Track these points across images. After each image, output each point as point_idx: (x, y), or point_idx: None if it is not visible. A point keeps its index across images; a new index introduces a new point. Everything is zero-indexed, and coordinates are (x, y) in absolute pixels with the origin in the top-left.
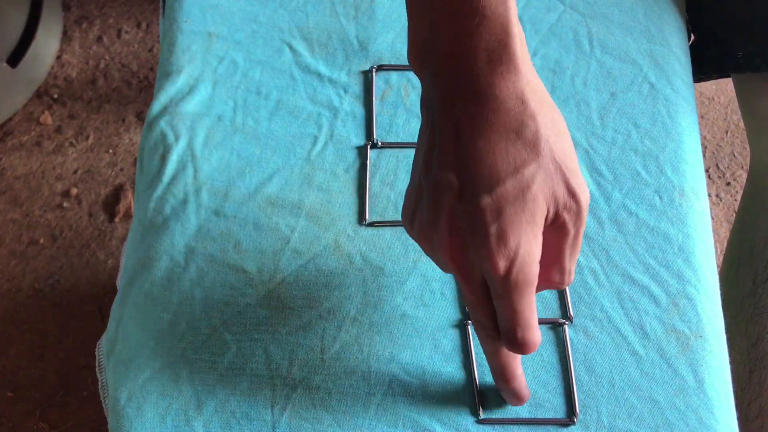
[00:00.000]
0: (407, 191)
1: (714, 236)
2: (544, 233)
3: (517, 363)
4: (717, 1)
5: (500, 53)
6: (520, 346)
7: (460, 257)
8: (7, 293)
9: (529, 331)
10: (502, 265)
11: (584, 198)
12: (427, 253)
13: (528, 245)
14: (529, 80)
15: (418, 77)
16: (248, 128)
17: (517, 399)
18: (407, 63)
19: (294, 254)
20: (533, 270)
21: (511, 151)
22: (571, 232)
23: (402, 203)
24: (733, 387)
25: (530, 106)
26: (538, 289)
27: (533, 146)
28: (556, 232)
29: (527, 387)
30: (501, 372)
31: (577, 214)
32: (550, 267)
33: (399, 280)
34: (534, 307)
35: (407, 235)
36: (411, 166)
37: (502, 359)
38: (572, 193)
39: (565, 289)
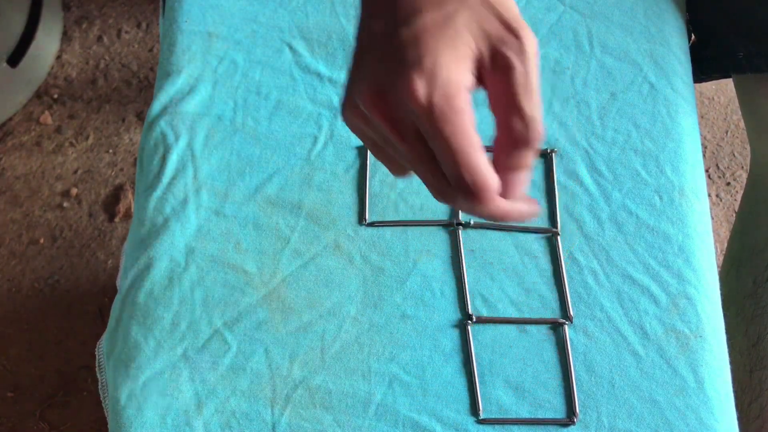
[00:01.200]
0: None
1: (714, 236)
2: (491, 78)
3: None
4: (717, 1)
5: None
6: (472, 193)
7: (383, 102)
8: (7, 293)
9: (475, 172)
10: (420, 90)
11: (526, 34)
12: (365, 125)
13: (447, 67)
14: None
15: None
16: (248, 128)
17: (520, 215)
18: None
19: (294, 254)
20: (458, 96)
21: None
22: (518, 68)
23: (402, 204)
24: (733, 387)
25: None
26: (504, 150)
27: None
28: (503, 73)
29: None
30: (489, 215)
31: (521, 50)
32: (509, 116)
33: (399, 280)
34: (475, 144)
35: (407, 234)
36: None
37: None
38: (509, 28)
39: (565, 289)
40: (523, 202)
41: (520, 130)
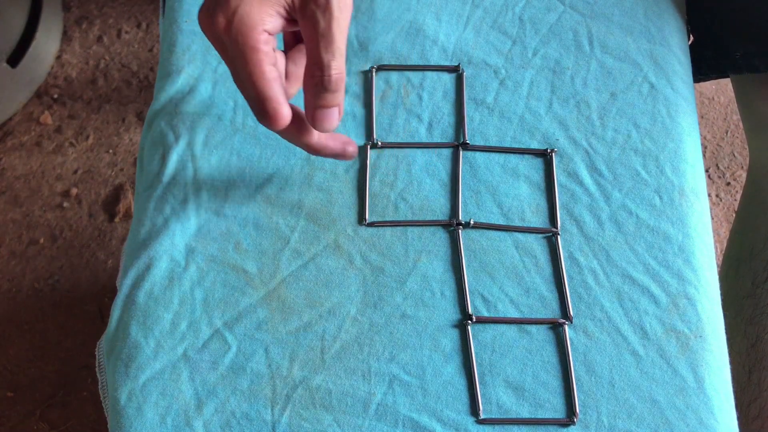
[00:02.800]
0: None
1: (714, 236)
2: (302, 25)
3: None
4: (716, 1)
5: None
6: (263, 116)
7: (207, 23)
8: (7, 293)
9: (264, 102)
10: (221, 25)
11: None
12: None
13: (248, 7)
14: None
15: None
16: (248, 128)
17: (336, 151)
18: (407, 63)
19: (294, 254)
20: (252, 34)
21: None
22: (321, 23)
23: (402, 204)
24: (733, 387)
25: None
26: (310, 91)
27: None
28: (309, 25)
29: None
30: (298, 144)
31: (326, 7)
32: (311, 65)
33: (399, 280)
34: (266, 74)
35: (407, 235)
36: (411, 166)
37: (288, 136)
38: None
39: (565, 289)
40: (337, 141)
41: (317, 75)
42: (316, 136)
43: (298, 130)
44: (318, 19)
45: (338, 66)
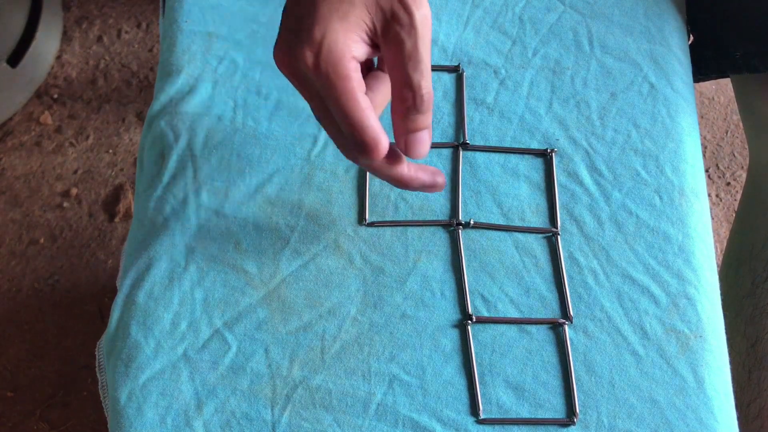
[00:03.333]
0: None
1: (714, 236)
2: (385, 48)
3: (398, 163)
4: (716, 1)
5: None
6: (362, 148)
7: (287, 61)
8: (7, 293)
9: (363, 132)
10: (309, 59)
11: (418, 11)
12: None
13: (335, 35)
14: None
15: None
16: (248, 128)
17: (426, 185)
18: None
19: (294, 254)
20: (343, 62)
21: None
22: (407, 43)
23: (402, 203)
24: (733, 387)
25: None
26: (399, 114)
27: None
28: (394, 47)
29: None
30: (388, 178)
31: (411, 26)
32: (401, 87)
33: (399, 280)
34: (362, 104)
35: (407, 235)
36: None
37: (377, 167)
38: (404, 5)
39: (565, 289)
40: (426, 172)
41: (409, 97)
42: (407, 168)
43: (390, 161)
44: (403, 39)
45: (428, 85)
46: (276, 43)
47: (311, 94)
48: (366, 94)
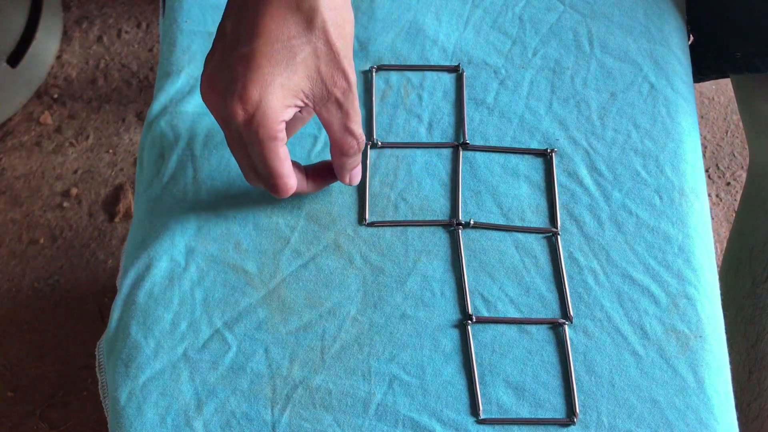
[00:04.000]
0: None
1: (714, 236)
2: (323, 110)
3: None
4: (716, 1)
5: None
6: (273, 190)
7: (216, 101)
8: (7, 293)
9: (279, 179)
10: (240, 116)
11: (353, 78)
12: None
13: (272, 100)
14: None
15: None
16: None
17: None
18: (407, 63)
19: (294, 254)
20: (274, 126)
21: (287, 19)
22: (345, 104)
23: (402, 203)
24: (733, 387)
25: None
26: (345, 156)
27: (309, 21)
28: (334, 108)
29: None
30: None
31: (348, 89)
32: (341, 137)
33: (399, 280)
34: (280, 156)
35: (407, 235)
36: (411, 166)
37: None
38: (343, 73)
39: (565, 289)
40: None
41: (352, 145)
42: (307, 186)
43: (323, 183)
44: (342, 102)
45: (362, 133)
46: (206, 73)
47: (231, 133)
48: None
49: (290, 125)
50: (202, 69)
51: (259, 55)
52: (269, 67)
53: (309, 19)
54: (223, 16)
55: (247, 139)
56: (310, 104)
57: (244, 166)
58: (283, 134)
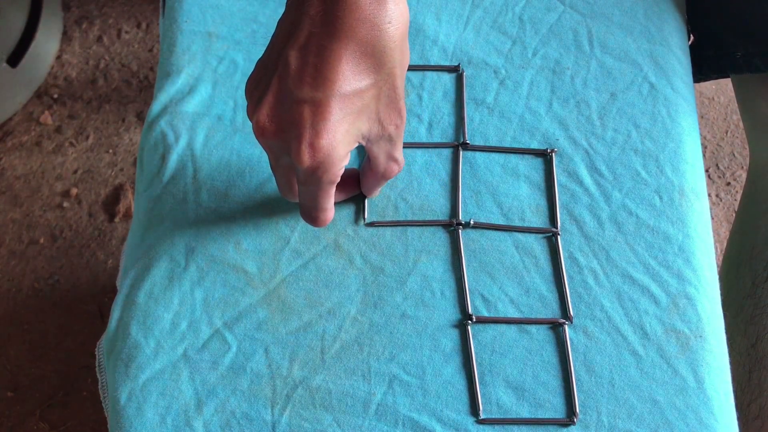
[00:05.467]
0: (258, 63)
1: (714, 236)
2: (377, 147)
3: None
4: (716, 1)
5: None
6: (312, 222)
7: (277, 139)
8: (7, 293)
9: (323, 213)
10: (308, 161)
11: (405, 113)
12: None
13: (339, 149)
14: (400, 6)
15: None
16: (248, 128)
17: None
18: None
19: (294, 254)
20: (337, 171)
21: (361, 63)
22: (395, 138)
23: (402, 203)
24: (733, 387)
25: (392, 28)
26: (384, 179)
27: (380, 64)
28: (386, 142)
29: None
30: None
31: (399, 126)
32: (390, 163)
33: (399, 280)
34: (331, 195)
35: (407, 235)
36: (411, 166)
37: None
38: (399, 112)
39: (565, 289)
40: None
41: (394, 170)
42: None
43: (347, 195)
44: (394, 137)
45: (403, 158)
46: (266, 106)
47: (280, 164)
48: None
49: None
50: (202, 69)
51: (331, 102)
52: (339, 114)
53: (381, 62)
54: (284, 42)
55: (305, 180)
56: (364, 143)
57: (283, 186)
58: (340, 176)
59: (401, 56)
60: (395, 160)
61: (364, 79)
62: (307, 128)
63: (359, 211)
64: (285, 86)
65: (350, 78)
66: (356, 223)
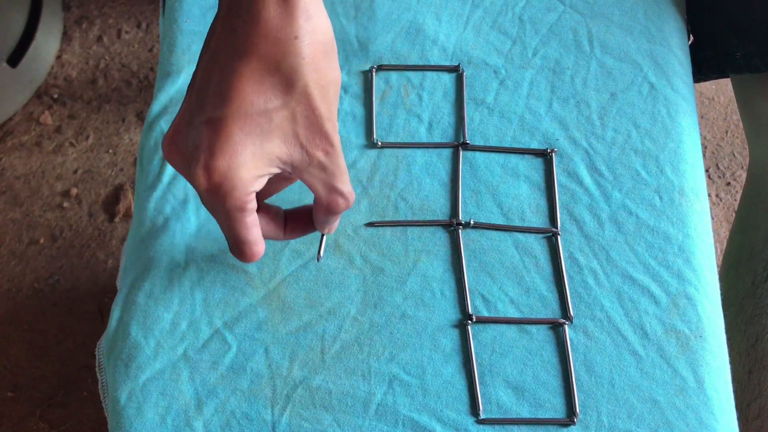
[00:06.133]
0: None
1: (714, 236)
2: (306, 176)
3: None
4: (716, 1)
5: None
6: (238, 256)
7: (179, 163)
8: (7, 293)
9: (246, 246)
10: (204, 183)
11: (336, 139)
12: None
13: (241, 172)
14: (314, 20)
15: None
16: None
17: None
18: (407, 63)
19: (294, 254)
20: (241, 197)
21: (264, 82)
22: (330, 167)
23: (402, 204)
24: (733, 387)
25: (300, 44)
26: (331, 214)
27: (289, 84)
28: (319, 171)
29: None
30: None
31: (333, 152)
32: (332, 195)
33: (399, 280)
34: (249, 225)
35: (407, 235)
36: (411, 166)
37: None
38: (326, 137)
39: (565, 289)
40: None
41: (340, 204)
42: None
43: (301, 233)
44: (326, 165)
45: (351, 190)
46: (171, 131)
47: (199, 197)
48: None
49: (272, 186)
50: None
51: (230, 121)
52: (240, 135)
53: (289, 81)
54: (197, 64)
55: (208, 207)
56: (289, 170)
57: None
58: (252, 204)
59: (316, 75)
60: (338, 193)
61: (271, 98)
62: (204, 150)
63: (358, 213)
64: (189, 108)
65: (252, 96)
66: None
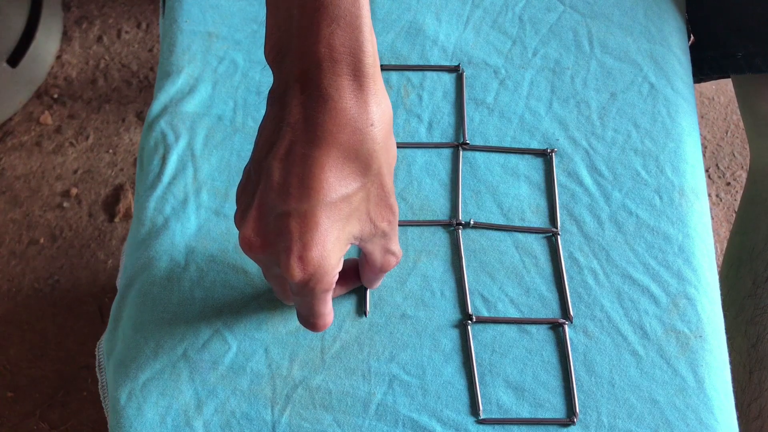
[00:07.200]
0: (245, 168)
1: (714, 236)
2: (371, 244)
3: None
4: (716, 1)
5: (354, 69)
6: (311, 328)
7: (265, 253)
8: (7, 293)
9: (320, 319)
10: (299, 274)
11: (397, 209)
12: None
13: (330, 258)
14: (383, 105)
15: (271, 69)
16: (248, 128)
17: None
18: (407, 63)
19: None
20: (330, 280)
21: (345, 169)
22: (389, 233)
23: (402, 204)
24: (733, 387)
25: (375, 131)
26: (383, 272)
27: (366, 168)
28: (380, 238)
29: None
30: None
31: (392, 222)
32: (387, 257)
33: (399, 280)
34: (328, 301)
35: (407, 235)
36: (411, 166)
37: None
38: (390, 209)
39: (565, 289)
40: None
41: (393, 263)
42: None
43: (347, 288)
44: (388, 232)
45: (400, 249)
46: (251, 220)
47: (272, 273)
48: None
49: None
50: (202, 69)
51: (317, 212)
52: (327, 223)
53: (366, 165)
54: (266, 151)
55: (298, 292)
56: (357, 243)
57: (279, 293)
58: (334, 282)
59: (386, 155)
60: (392, 253)
61: (351, 183)
62: (295, 241)
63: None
64: (269, 199)
65: (335, 185)
66: (358, 313)
